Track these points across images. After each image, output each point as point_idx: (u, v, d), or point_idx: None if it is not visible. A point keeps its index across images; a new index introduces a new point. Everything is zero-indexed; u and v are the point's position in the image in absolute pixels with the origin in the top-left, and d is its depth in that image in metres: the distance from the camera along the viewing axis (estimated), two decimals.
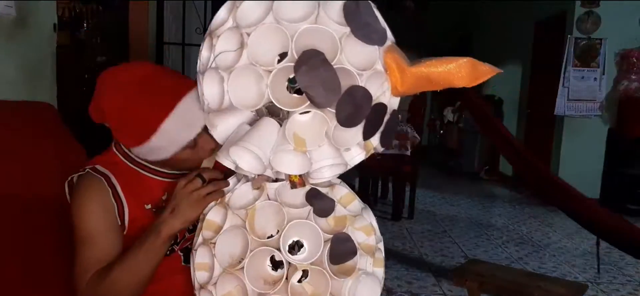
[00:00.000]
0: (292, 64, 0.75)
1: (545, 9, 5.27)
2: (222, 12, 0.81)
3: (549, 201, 2.42)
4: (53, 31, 1.69)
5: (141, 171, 1.05)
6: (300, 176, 0.84)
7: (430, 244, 3.51)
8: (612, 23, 4.61)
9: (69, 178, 1.06)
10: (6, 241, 1.04)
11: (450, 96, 4.87)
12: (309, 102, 0.75)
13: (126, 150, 1.04)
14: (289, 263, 0.83)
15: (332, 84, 0.74)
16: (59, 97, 1.74)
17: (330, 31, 0.75)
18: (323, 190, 0.87)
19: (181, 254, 1.08)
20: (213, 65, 0.80)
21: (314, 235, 0.83)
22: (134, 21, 3.04)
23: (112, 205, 1.00)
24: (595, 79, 4.68)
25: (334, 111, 0.76)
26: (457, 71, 0.79)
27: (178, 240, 1.07)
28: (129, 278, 0.94)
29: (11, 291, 1.02)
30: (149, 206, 1.04)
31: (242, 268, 0.82)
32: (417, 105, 4.52)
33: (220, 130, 0.84)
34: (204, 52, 0.83)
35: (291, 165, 0.80)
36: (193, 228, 0.99)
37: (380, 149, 0.87)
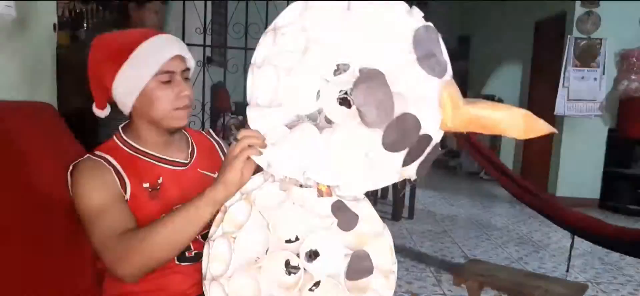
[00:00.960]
0: (351, 79, 0.75)
1: (545, 9, 5.27)
2: (290, 11, 0.81)
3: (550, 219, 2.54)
4: (53, 31, 1.69)
5: (139, 156, 1.10)
6: (328, 186, 0.84)
7: (430, 244, 3.51)
8: (612, 23, 4.61)
9: (70, 168, 1.08)
10: (6, 241, 1.04)
11: None
12: (359, 119, 0.76)
13: (125, 137, 1.12)
14: (305, 270, 0.83)
15: (385, 107, 0.75)
16: (59, 97, 1.74)
17: (396, 55, 0.76)
18: (348, 204, 0.87)
19: None
20: (273, 62, 0.80)
21: (334, 247, 0.83)
22: (134, 21, 3.03)
23: (114, 180, 1.04)
24: (595, 79, 4.68)
25: (381, 132, 0.77)
26: (512, 121, 0.79)
27: None
28: (165, 238, 0.93)
29: (11, 291, 1.02)
30: (147, 185, 1.07)
31: (260, 267, 0.82)
32: None
33: (257, 126, 0.84)
34: (263, 47, 0.83)
35: (325, 175, 0.81)
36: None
37: (413, 178, 0.86)
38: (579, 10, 4.69)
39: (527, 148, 5.90)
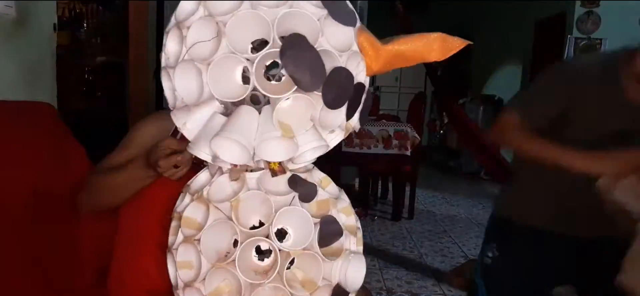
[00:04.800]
0: (276, 50, 0.73)
1: (545, 9, 5.26)
2: (189, 2, 0.78)
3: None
4: (53, 31, 1.69)
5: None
6: (279, 163, 0.83)
7: (430, 244, 3.51)
8: (612, 23, 4.60)
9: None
10: (6, 240, 1.04)
11: (450, 97, 4.87)
12: (295, 87, 0.75)
13: None
14: (279, 251, 0.82)
15: (317, 68, 0.74)
16: (59, 97, 1.74)
17: (310, 14, 0.75)
18: (302, 176, 0.86)
19: None
20: (186, 57, 0.78)
21: (303, 221, 0.82)
22: (134, 21, 3.03)
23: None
24: None
25: (319, 94, 0.76)
26: (429, 46, 0.81)
27: None
28: (104, 187, 1.06)
29: (12, 288, 1.02)
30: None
31: (233, 261, 0.81)
32: (417, 105, 4.51)
33: (191, 127, 0.81)
34: (172, 45, 0.80)
35: (278, 152, 0.79)
36: None
37: (357, 128, 0.87)
38: (579, 10, 4.68)
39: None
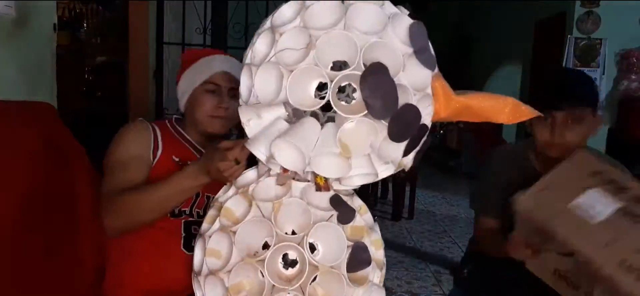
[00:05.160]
0: (357, 73, 0.77)
1: (545, 9, 5.26)
2: (288, 10, 0.82)
3: None
4: (53, 31, 1.69)
5: (181, 139, 1.27)
6: (326, 180, 0.85)
7: (430, 244, 3.51)
8: (612, 23, 4.60)
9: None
10: (6, 240, 1.04)
11: None
12: (364, 111, 0.77)
13: (175, 124, 1.30)
14: (307, 262, 0.84)
15: (391, 99, 0.77)
16: (59, 97, 1.74)
17: (397, 49, 0.79)
18: (344, 198, 0.88)
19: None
20: (273, 59, 0.81)
21: (337, 240, 0.84)
22: (134, 21, 3.03)
23: (149, 142, 1.20)
24: (595, 79, 4.68)
25: (386, 123, 0.79)
26: (500, 108, 0.85)
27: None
28: (143, 204, 1.08)
29: (11, 291, 1.02)
30: (177, 159, 1.20)
31: (263, 260, 0.83)
32: None
33: (254, 125, 0.84)
34: (262, 46, 0.84)
35: (332, 168, 0.81)
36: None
37: (407, 168, 0.89)
38: (579, 10, 4.68)
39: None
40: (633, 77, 4.51)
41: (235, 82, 1.18)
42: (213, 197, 1.24)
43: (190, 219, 1.16)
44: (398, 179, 4.04)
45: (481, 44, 7.23)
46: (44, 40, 1.65)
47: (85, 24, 4.09)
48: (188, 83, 1.26)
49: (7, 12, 1.35)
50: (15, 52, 1.45)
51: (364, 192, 4.22)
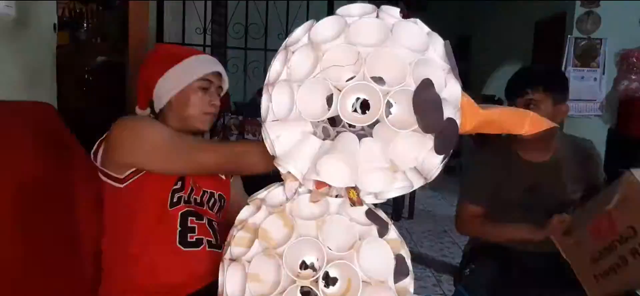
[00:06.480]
0: (410, 88, 0.79)
1: (545, 9, 5.26)
2: (329, 27, 0.84)
3: None
4: (53, 31, 1.69)
5: None
6: (358, 194, 0.85)
7: (430, 244, 3.51)
8: (612, 23, 4.60)
9: (100, 139, 1.19)
10: (6, 240, 1.04)
11: None
12: (416, 125, 0.79)
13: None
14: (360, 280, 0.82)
15: (439, 113, 0.80)
16: (59, 97, 1.74)
17: (440, 66, 0.82)
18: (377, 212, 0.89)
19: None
20: (284, 77, 0.84)
21: (385, 254, 0.84)
22: (134, 21, 3.03)
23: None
24: (595, 79, 4.67)
25: (431, 137, 0.81)
26: (521, 121, 0.92)
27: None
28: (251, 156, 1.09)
29: (11, 291, 1.02)
30: None
31: (316, 280, 0.80)
32: None
33: (284, 141, 0.85)
34: (276, 67, 0.86)
35: (378, 183, 0.82)
36: None
37: (430, 179, 0.89)
38: (579, 10, 4.68)
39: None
40: (633, 77, 4.51)
41: (222, 81, 1.30)
42: (210, 192, 1.26)
43: (187, 207, 1.18)
44: None
45: (481, 44, 7.23)
46: (44, 40, 1.65)
47: (85, 24, 4.09)
48: (176, 81, 1.23)
49: (7, 12, 1.35)
50: (15, 52, 1.45)
51: None
